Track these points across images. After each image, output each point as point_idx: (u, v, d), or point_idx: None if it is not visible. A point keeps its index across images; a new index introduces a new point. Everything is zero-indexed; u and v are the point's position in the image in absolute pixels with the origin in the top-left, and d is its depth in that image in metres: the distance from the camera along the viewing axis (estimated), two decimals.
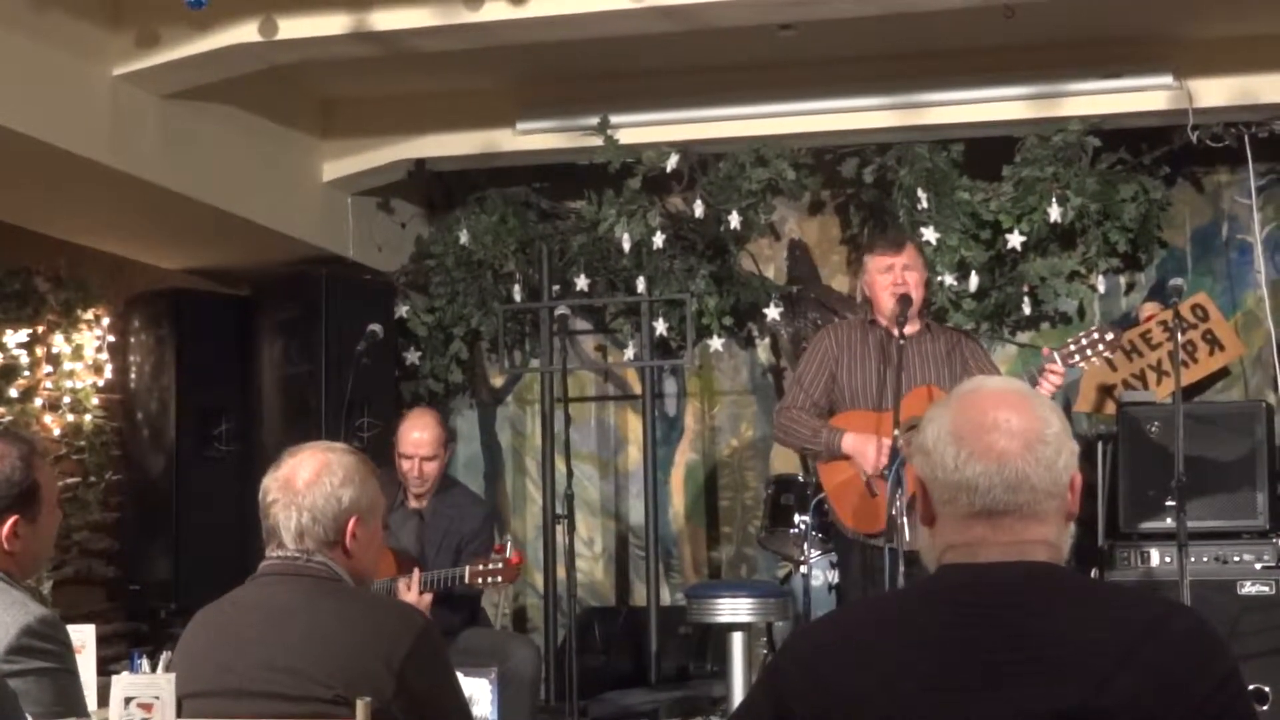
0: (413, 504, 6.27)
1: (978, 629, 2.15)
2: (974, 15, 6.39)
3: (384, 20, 6.13)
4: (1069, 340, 5.78)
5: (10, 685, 2.88)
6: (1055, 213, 7.44)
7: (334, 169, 7.99)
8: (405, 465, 6.22)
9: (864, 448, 5.75)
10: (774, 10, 6.22)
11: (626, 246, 7.91)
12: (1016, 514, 2.22)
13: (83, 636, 3.62)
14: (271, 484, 3.32)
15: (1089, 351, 5.69)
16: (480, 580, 5.88)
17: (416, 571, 5.88)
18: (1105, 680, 2.08)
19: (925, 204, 7.55)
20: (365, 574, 3.40)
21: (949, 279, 7.59)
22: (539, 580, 8.26)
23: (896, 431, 5.42)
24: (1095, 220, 7.54)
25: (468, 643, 5.90)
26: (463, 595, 6.10)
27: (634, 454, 8.71)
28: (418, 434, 6.26)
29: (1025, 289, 7.70)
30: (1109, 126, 7.47)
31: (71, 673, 3.11)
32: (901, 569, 5.29)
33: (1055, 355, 5.67)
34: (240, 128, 7.20)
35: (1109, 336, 5.71)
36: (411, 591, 5.81)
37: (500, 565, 5.87)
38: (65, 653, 3.08)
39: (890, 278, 5.84)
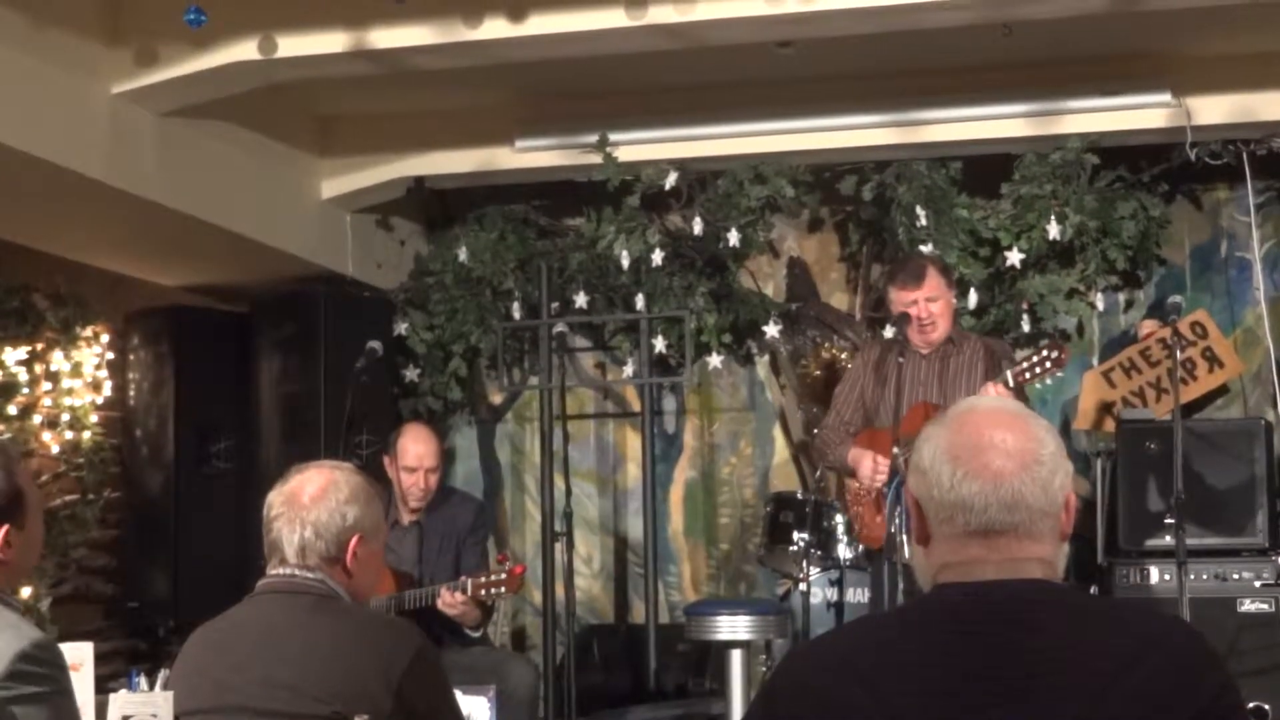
0: (408, 518, 6.27)
1: (975, 647, 2.15)
2: (972, 33, 6.40)
3: (383, 38, 6.13)
4: (1021, 359, 5.91)
5: (9, 710, 2.88)
6: (1054, 230, 7.44)
7: (333, 186, 8.00)
8: (408, 479, 6.22)
9: (861, 460, 5.89)
10: (773, 28, 6.23)
11: (625, 264, 7.91)
12: (1012, 533, 2.22)
13: (81, 654, 3.62)
14: (276, 499, 3.32)
15: (1039, 368, 5.78)
16: (484, 591, 5.87)
17: (464, 580, 5.89)
18: (1102, 696, 2.08)
19: (924, 221, 7.55)
20: (363, 594, 3.41)
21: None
22: (538, 598, 8.25)
23: (896, 449, 5.45)
24: (1094, 237, 7.55)
25: (466, 661, 5.89)
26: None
27: (633, 471, 8.71)
28: (421, 447, 6.27)
29: (1024, 306, 7.70)
30: (1107, 144, 7.48)
31: (67, 694, 3.10)
32: (901, 585, 5.31)
33: (1009, 374, 5.76)
34: (239, 145, 7.21)
35: (1055, 353, 5.79)
36: (457, 596, 5.82)
37: (503, 576, 5.86)
38: (61, 675, 3.08)
39: (915, 311, 5.95)
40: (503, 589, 5.89)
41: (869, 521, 6.01)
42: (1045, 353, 5.81)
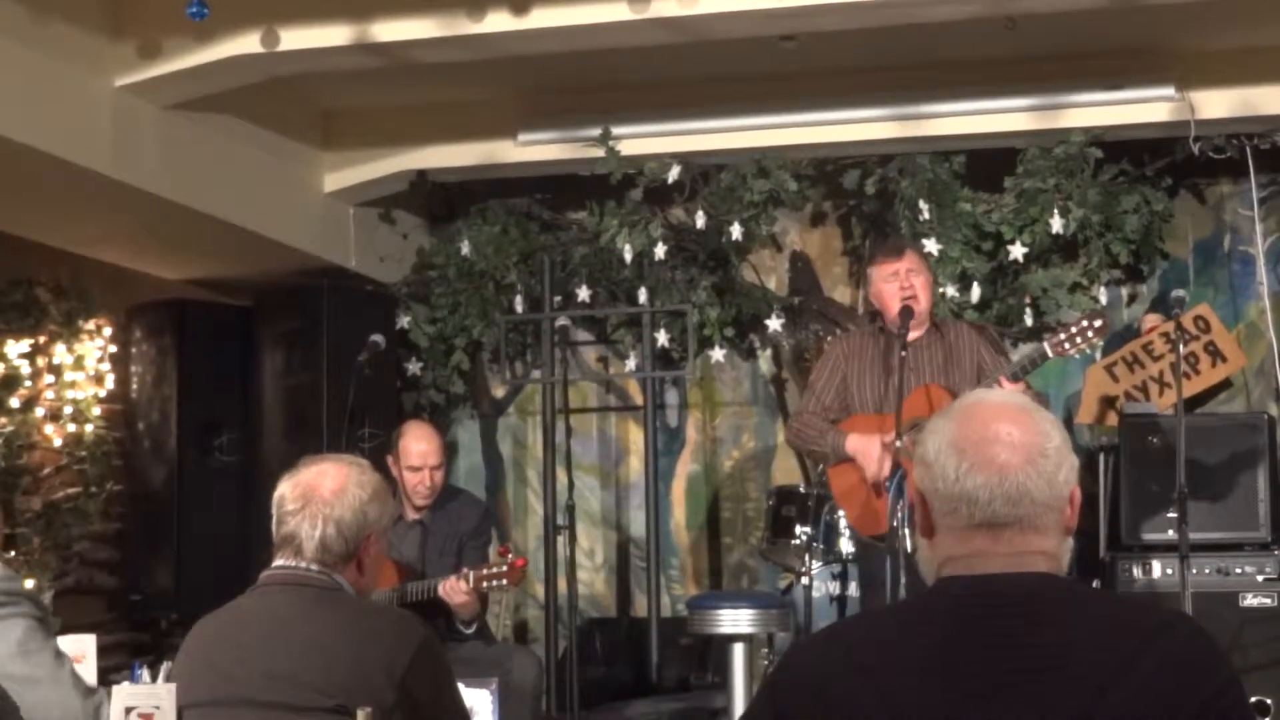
0: (412, 515, 6.27)
1: (978, 640, 2.14)
2: (976, 27, 6.40)
3: (386, 31, 6.13)
4: (1059, 329, 5.85)
5: (10, 698, 2.89)
6: (1057, 224, 7.44)
7: (335, 180, 8.00)
8: (413, 478, 6.21)
9: (867, 448, 5.80)
10: (775, 22, 6.23)
11: (628, 257, 7.91)
12: (1016, 526, 2.22)
13: (83, 646, 3.63)
14: (290, 491, 3.31)
15: (1079, 339, 5.73)
16: (485, 584, 5.86)
17: (466, 571, 5.88)
18: (1105, 690, 2.08)
19: (927, 215, 7.55)
20: (367, 589, 3.41)
21: (951, 290, 7.59)
22: (540, 591, 8.25)
23: (899, 442, 5.43)
24: (1097, 231, 7.54)
25: (469, 654, 5.89)
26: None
27: (635, 465, 8.70)
28: (424, 445, 6.26)
29: (1027, 300, 7.69)
30: (1111, 138, 7.47)
31: (38, 618, 3.14)
32: (903, 579, 5.30)
33: (1046, 346, 5.74)
34: (242, 139, 7.20)
35: (1098, 323, 5.74)
36: (460, 584, 5.81)
37: (505, 569, 5.86)
38: (24, 601, 3.12)
39: (897, 283, 5.88)
40: (504, 581, 5.88)
41: (865, 508, 5.93)
42: (1085, 323, 5.75)
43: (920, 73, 7.35)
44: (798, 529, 6.91)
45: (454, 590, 5.84)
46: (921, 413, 5.53)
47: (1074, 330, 5.74)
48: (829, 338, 8.14)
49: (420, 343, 8.42)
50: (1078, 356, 6.24)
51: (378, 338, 6.95)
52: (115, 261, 7.74)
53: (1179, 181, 7.88)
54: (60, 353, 7.17)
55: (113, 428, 7.66)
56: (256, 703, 3.12)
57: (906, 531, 5.23)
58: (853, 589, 6.95)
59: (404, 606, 5.86)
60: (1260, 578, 6.73)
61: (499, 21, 6.06)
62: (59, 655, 3.28)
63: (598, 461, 8.84)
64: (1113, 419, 7.57)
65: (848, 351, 6.14)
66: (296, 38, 6.17)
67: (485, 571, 5.86)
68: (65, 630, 3.29)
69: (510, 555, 5.96)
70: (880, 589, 5.85)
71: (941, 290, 7.53)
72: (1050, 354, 5.73)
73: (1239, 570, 6.74)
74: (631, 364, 8.32)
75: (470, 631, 6.06)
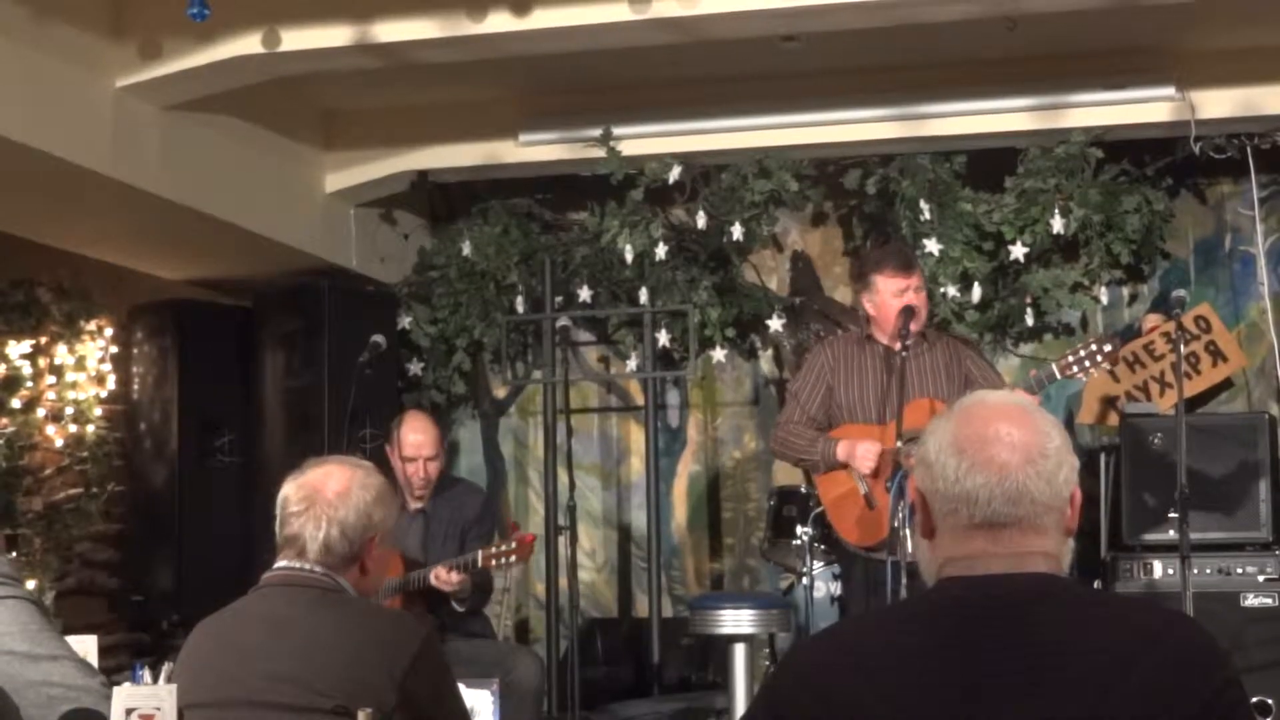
0: (413, 505, 6.28)
1: (978, 641, 2.14)
2: (976, 27, 6.40)
3: (387, 32, 6.14)
4: (1068, 352, 5.84)
5: (10, 698, 2.89)
6: (1058, 224, 7.44)
7: (336, 180, 8.00)
8: (410, 468, 6.24)
9: (857, 450, 5.76)
10: (777, 22, 6.23)
11: (629, 258, 7.90)
12: (1016, 526, 2.22)
13: (84, 647, 3.62)
14: (294, 492, 3.30)
15: (1088, 362, 5.72)
16: (494, 562, 5.86)
17: (476, 552, 5.90)
18: (1106, 691, 2.08)
19: (928, 215, 7.55)
20: (371, 591, 3.42)
21: (952, 290, 7.59)
22: (541, 591, 8.25)
23: (899, 444, 5.43)
24: (1098, 231, 7.54)
25: (470, 654, 5.89)
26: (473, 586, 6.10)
27: (636, 465, 8.70)
28: (419, 436, 6.28)
29: (1028, 300, 7.69)
30: (1111, 138, 7.47)
31: (37, 602, 3.15)
32: (904, 581, 5.29)
33: (1054, 367, 5.74)
34: (243, 139, 7.21)
35: (1107, 348, 5.74)
36: (453, 575, 5.83)
37: (513, 545, 5.86)
38: (22, 585, 3.13)
39: (901, 300, 5.86)
40: (513, 558, 5.88)
41: (856, 518, 5.90)
42: (1095, 346, 5.74)
43: (921, 73, 7.36)
44: (798, 529, 6.89)
45: (443, 582, 5.87)
46: (922, 425, 5.49)
47: (1084, 354, 5.74)
48: (829, 337, 8.12)
49: (421, 343, 8.43)
50: (1084, 379, 6.24)
51: (379, 338, 6.95)
52: (116, 262, 7.74)
53: (1180, 181, 7.87)
54: (61, 353, 7.17)
55: (114, 428, 7.66)
56: (257, 703, 3.12)
57: (907, 533, 5.23)
58: None
59: (408, 595, 5.89)
60: (1261, 578, 6.73)
61: (500, 22, 6.06)
62: (62, 637, 3.29)
63: (599, 462, 8.84)
64: (1114, 419, 7.57)
65: (833, 360, 6.08)
66: (297, 38, 6.17)
67: (495, 550, 5.86)
68: (66, 632, 3.27)
69: (519, 531, 5.98)
70: (858, 597, 5.85)
71: (942, 290, 7.54)
72: (1059, 375, 5.76)
73: (1240, 570, 6.74)
74: (632, 364, 8.32)
75: (463, 610, 6.06)
